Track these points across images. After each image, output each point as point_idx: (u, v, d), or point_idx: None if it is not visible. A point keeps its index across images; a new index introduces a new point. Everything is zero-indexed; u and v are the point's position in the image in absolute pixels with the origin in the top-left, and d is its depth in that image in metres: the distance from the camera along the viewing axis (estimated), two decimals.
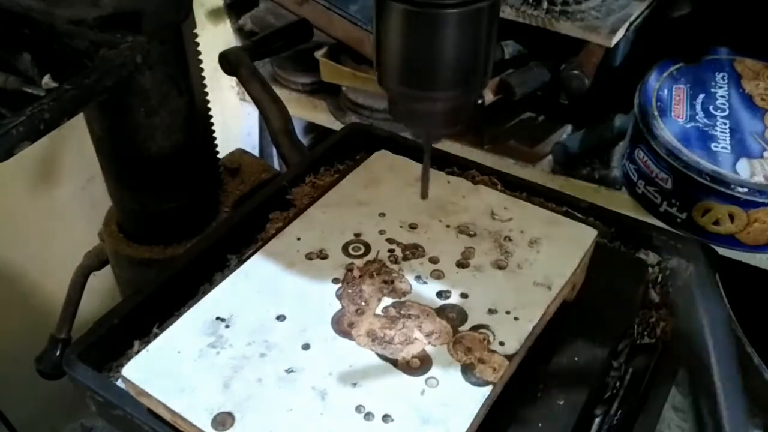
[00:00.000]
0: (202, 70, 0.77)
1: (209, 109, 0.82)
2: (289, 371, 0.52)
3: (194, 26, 0.73)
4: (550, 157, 1.40)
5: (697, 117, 1.06)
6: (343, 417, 0.49)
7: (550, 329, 0.59)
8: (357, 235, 0.64)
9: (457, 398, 0.50)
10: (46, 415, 1.25)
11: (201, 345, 0.54)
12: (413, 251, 0.62)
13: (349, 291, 0.58)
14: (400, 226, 0.64)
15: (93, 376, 0.56)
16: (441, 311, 0.57)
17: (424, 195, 0.58)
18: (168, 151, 0.75)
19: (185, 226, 0.83)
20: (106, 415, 0.57)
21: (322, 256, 0.62)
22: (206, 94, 0.79)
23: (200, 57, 0.76)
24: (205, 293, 0.59)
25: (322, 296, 0.58)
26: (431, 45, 0.45)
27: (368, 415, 0.49)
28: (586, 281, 0.65)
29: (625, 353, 0.61)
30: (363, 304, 0.57)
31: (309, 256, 0.61)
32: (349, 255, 0.62)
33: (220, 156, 0.89)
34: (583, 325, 0.60)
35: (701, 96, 1.12)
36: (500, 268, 0.60)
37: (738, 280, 1.16)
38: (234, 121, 1.59)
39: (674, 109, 1.07)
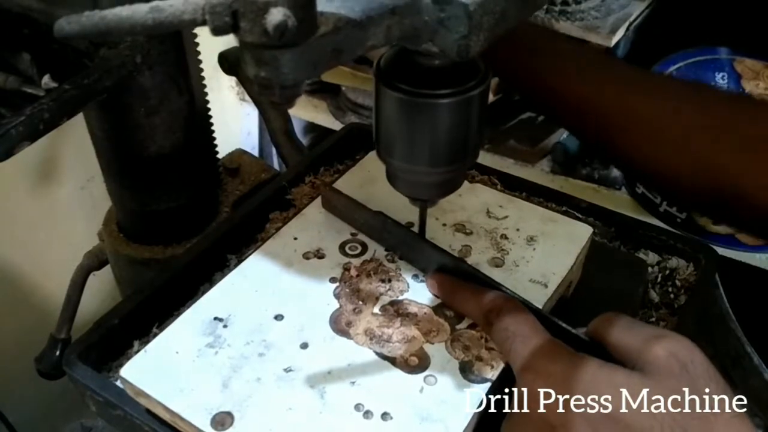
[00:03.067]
0: (202, 70, 0.77)
1: (209, 109, 0.82)
2: (287, 370, 0.52)
3: None
4: (550, 157, 1.40)
5: None
6: (342, 415, 0.49)
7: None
8: (354, 234, 0.64)
9: (456, 396, 0.50)
10: (46, 415, 1.25)
11: (199, 345, 0.54)
12: None
13: (347, 290, 0.58)
14: None
15: (93, 376, 0.56)
16: (438, 309, 0.57)
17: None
18: (168, 151, 0.75)
19: (185, 226, 0.83)
20: (106, 415, 0.57)
21: (319, 255, 0.62)
22: (206, 94, 0.79)
23: (200, 57, 0.76)
24: (204, 293, 0.59)
25: (320, 295, 0.58)
26: (426, 129, 0.47)
27: (367, 414, 0.49)
28: (586, 281, 0.65)
29: None
30: (360, 303, 0.57)
31: (306, 256, 0.62)
32: (346, 254, 0.62)
33: (220, 156, 0.89)
34: (583, 326, 0.60)
35: None
36: (497, 266, 0.61)
37: (738, 280, 1.16)
38: (234, 121, 1.60)
39: None
